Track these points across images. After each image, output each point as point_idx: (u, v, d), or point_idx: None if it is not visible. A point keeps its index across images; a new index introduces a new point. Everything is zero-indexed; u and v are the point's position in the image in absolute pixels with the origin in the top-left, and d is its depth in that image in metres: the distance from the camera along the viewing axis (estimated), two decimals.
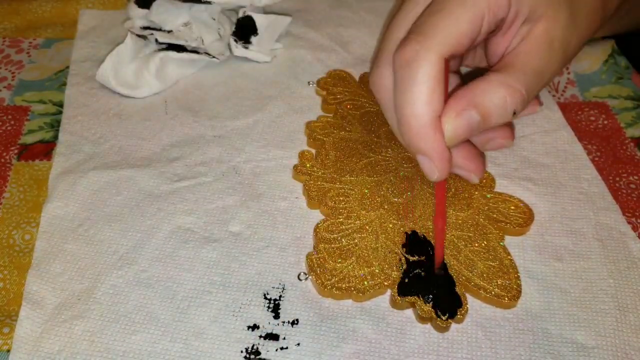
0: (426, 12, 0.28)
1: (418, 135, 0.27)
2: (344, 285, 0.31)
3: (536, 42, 0.28)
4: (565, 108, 0.44)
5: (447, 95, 0.27)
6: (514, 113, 0.27)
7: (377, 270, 0.32)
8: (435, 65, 0.26)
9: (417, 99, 0.26)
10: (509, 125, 0.31)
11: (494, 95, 0.27)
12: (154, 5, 0.46)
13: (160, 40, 0.45)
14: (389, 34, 0.30)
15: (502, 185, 0.37)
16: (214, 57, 0.45)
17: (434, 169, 0.27)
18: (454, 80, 0.33)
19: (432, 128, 0.26)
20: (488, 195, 0.36)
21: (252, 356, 0.29)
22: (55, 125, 0.42)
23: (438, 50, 0.26)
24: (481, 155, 0.31)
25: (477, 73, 0.28)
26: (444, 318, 0.30)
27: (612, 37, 0.49)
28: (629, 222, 0.36)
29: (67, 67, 0.47)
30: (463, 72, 0.38)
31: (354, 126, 0.41)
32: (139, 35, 0.45)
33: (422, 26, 0.27)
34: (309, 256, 0.33)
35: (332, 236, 0.34)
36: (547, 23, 0.28)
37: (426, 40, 0.26)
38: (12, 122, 0.42)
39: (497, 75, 0.27)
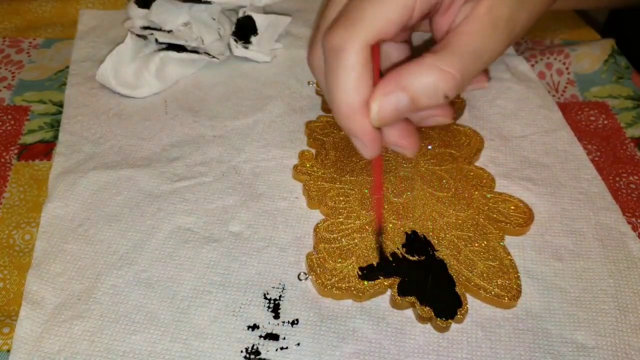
0: (354, 2, 0.28)
1: (348, 119, 0.27)
2: (344, 285, 0.31)
3: (478, 22, 0.27)
4: (565, 108, 0.44)
5: (379, 77, 0.28)
6: (446, 97, 0.27)
7: None
8: (361, 53, 0.26)
9: (345, 86, 0.27)
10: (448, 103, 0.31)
11: (424, 79, 0.26)
12: (154, 5, 0.46)
13: (160, 40, 0.45)
14: (325, 13, 0.30)
15: (502, 185, 0.37)
16: (214, 57, 0.45)
17: (364, 149, 0.29)
18: (402, 52, 0.33)
19: (360, 113, 0.27)
20: (488, 195, 0.36)
21: (252, 356, 0.29)
22: (55, 125, 0.42)
23: (364, 39, 0.26)
24: (416, 132, 0.31)
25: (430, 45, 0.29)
26: (441, 319, 0.30)
27: (612, 36, 0.49)
28: (629, 222, 0.35)
29: (67, 67, 0.47)
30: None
31: None
32: (139, 35, 0.45)
33: (350, 11, 0.27)
34: (309, 256, 0.33)
35: (332, 236, 0.34)
36: (491, 1, 0.28)
37: (353, 27, 0.26)
38: (12, 122, 0.42)
39: (430, 58, 0.27)
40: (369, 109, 0.27)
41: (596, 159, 0.40)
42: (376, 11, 0.27)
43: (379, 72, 0.28)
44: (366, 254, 0.33)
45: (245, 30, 0.47)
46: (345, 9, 0.28)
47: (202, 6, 0.47)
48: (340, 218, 0.34)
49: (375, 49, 0.27)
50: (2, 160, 0.40)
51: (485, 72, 0.30)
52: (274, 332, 0.30)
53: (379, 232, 0.33)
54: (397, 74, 0.27)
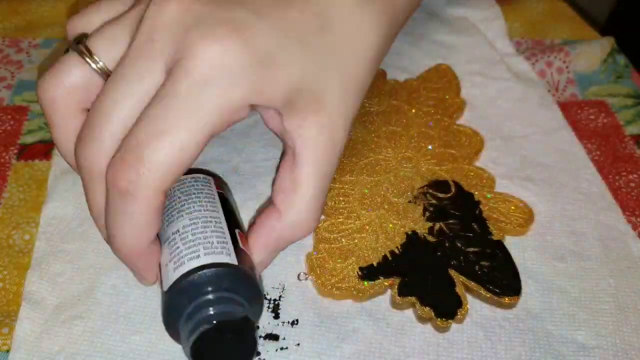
0: (146, 129, 0.24)
1: (130, 258, 0.27)
2: (344, 285, 0.31)
3: (315, 151, 0.27)
4: (565, 107, 0.44)
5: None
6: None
7: None
8: (154, 200, 0.24)
9: (131, 231, 0.25)
10: None
11: (294, 237, 0.29)
12: None
13: None
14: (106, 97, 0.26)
15: (502, 185, 0.37)
16: None
17: (145, 280, 0.29)
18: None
19: (145, 254, 0.27)
20: (488, 195, 0.36)
21: None
22: None
23: (158, 187, 0.24)
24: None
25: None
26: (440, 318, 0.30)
27: (612, 36, 0.49)
28: (628, 221, 0.35)
29: None
30: None
31: (354, 126, 0.40)
32: None
33: (140, 148, 0.24)
34: (309, 256, 0.33)
35: (332, 236, 0.33)
36: (318, 117, 0.27)
37: (146, 174, 0.24)
38: (12, 122, 0.42)
39: (280, 221, 0.28)
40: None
41: (596, 157, 0.40)
42: (172, 151, 0.24)
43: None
44: (366, 254, 0.33)
45: None
46: (132, 141, 0.24)
47: None
48: (340, 218, 0.34)
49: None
50: (2, 160, 0.39)
51: None
52: (273, 332, 0.30)
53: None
54: (269, 236, 0.29)
